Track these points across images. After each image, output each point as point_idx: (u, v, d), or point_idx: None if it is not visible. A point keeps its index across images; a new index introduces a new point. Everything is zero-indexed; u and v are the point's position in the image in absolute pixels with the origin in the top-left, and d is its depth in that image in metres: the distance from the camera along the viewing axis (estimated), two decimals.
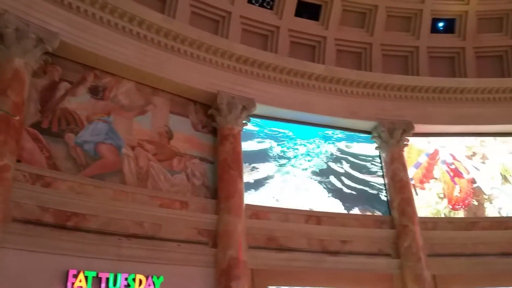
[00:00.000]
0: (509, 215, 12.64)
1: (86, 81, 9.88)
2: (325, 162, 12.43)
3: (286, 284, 10.53)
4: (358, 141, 13.01)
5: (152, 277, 8.83)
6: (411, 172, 12.98)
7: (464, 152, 13.49)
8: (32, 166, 8.37)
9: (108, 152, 9.61)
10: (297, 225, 11.15)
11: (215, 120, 11.17)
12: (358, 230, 11.60)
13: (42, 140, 8.75)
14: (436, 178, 13.05)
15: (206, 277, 9.54)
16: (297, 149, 12.35)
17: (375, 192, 12.48)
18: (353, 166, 12.65)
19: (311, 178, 12.08)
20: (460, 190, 12.98)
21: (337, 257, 11.08)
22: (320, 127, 12.80)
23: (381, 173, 12.75)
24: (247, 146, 11.57)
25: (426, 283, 10.86)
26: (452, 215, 12.68)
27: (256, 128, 12.08)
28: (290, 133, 12.46)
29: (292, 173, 11.99)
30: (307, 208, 11.62)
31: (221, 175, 10.57)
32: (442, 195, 12.83)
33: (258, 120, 12.09)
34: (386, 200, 12.36)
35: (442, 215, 12.62)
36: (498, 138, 13.63)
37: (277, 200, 11.44)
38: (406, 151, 12.98)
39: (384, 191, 12.48)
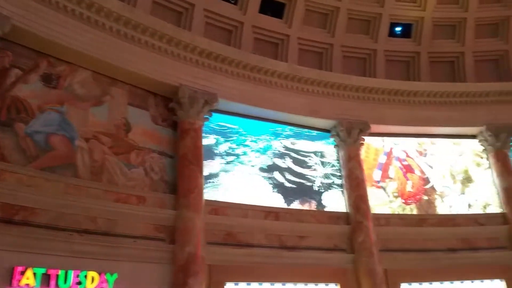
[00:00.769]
0: (457, 212, 13.27)
1: (39, 68, 9.38)
2: (271, 158, 12.32)
3: (244, 279, 10.53)
4: (305, 138, 13.06)
5: (105, 274, 8.55)
6: (377, 174, 13.39)
7: (416, 149, 14.01)
8: None
9: (60, 144, 9.18)
10: (256, 221, 11.17)
11: (176, 114, 10.95)
12: (315, 226, 11.81)
13: None
14: (391, 178, 13.48)
15: (163, 273, 9.36)
16: (247, 145, 12.22)
17: (310, 184, 12.50)
18: (296, 161, 12.62)
19: (258, 175, 11.95)
20: (412, 186, 13.50)
21: (295, 252, 11.23)
22: (281, 124, 12.88)
23: (320, 168, 12.86)
24: None
25: (378, 277, 11.23)
26: (404, 209, 13.14)
27: None
28: (241, 129, 12.26)
29: (239, 170, 11.74)
30: (266, 204, 11.66)
31: (181, 170, 10.38)
32: (396, 194, 13.26)
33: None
34: (318, 191, 12.48)
35: (396, 213, 13.09)
36: (450, 140, 14.25)
37: (224, 195, 11.26)
38: (364, 151, 13.33)
39: (317, 184, 12.55)
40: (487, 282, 12.39)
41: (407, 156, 13.91)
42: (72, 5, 9.48)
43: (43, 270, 7.84)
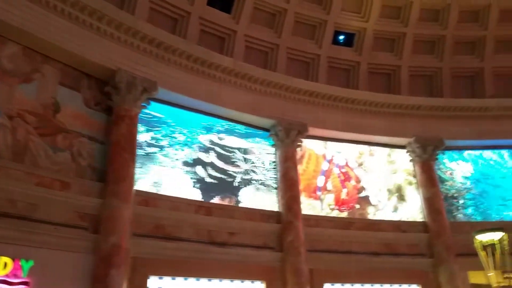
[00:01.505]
0: (382, 218, 13.88)
1: None
2: (196, 152, 12.04)
3: (170, 274, 10.36)
4: (235, 135, 12.96)
5: (20, 261, 8.05)
6: (320, 180, 13.68)
7: (355, 160, 14.49)
8: None
9: None
10: (186, 214, 11.02)
11: (111, 99, 10.52)
12: (246, 223, 11.85)
13: None
14: (329, 190, 13.77)
15: (84, 263, 8.99)
16: (174, 137, 11.87)
17: (231, 180, 12.38)
18: (220, 157, 12.47)
19: (181, 168, 11.63)
20: (347, 193, 13.97)
21: (224, 248, 11.21)
22: (220, 119, 12.80)
23: (242, 163, 12.78)
24: None
25: (303, 276, 11.50)
26: (338, 215, 13.55)
27: None
28: (170, 120, 11.87)
29: (160, 162, 11.31)
30: (198, 199, 11.54)
31: (113, 157, 9.99)
32: (332, 207, 13.55)
33: None
34: (237, 186, 12.41)
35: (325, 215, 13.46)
36: (386, 151, 14.86)
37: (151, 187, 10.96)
38: (306, 158, 13.62)
39: (238, 180, 12.49)
40: (405, 286, 13.10)
41: (347, 165, 14.35)
42: None
43: None
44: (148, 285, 9.90)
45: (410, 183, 14.57)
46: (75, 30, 9.97)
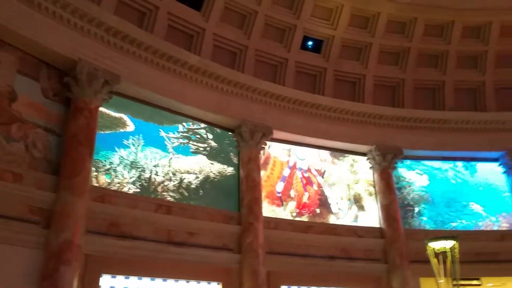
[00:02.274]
0: (341, 223, 14.11)
1: None
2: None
3: (124, 272, 10.08)
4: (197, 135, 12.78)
5: None
6: (280, 186, 13.73)
7: (318, 168, 14.65)
8: None
9: None
10: (145, 213, 10.77)
11: (70, 90, 10.16)
12: (206, 224, 11.73)
13: None
14: (292, 197, 13.84)
15: (34, 259, 8.61)
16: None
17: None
18: None
19: None
20: (309, 197, 14.09)
21: (182, 248, 11.03)
22: (185, 117, 12.64)
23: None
24: None
25: (260, 279, 11.50)
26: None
27: None
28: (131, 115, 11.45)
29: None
30: (159, 197, 11.34)
31: (68, 150, 9.63)
32: (295, 214, 13.61)
33: None
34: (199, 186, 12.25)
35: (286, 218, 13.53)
36: (349, 161, 15.13)
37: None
38: (271, 164, 13.70)
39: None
40: None
41: (309, 171, 14.49)
42: None
43: None
44: (100, 284, 9.60)
45: (370, 194, 14.90)
46: (36, 17, 9.53)
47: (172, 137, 12.29)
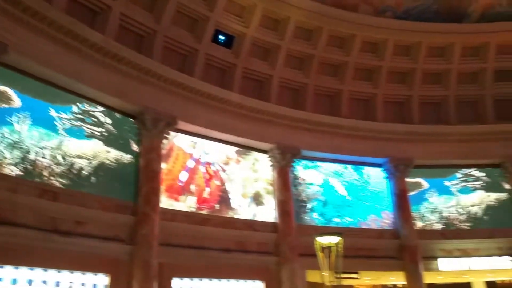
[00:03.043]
0: (239, 217, 14.35)
1: None
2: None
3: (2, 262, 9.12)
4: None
5: None
6: (183, 175, 13.47)
7: (222, 164, 14.70)
8: None
9: None
10: (27, 198, 9.86)
11: None
12: (97, 212, 11.13)
13: None
14: (192, 192, 13.69)
15: None
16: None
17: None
18: None
19: None
20: (210, 193, 14.07)
21: (68, 238, 10.33)
22: (81, 97, 11.80)
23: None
24: None
25: (151, 270, 11.21)
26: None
27: None
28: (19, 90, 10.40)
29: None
30: (45, 181, 10.42)
31: None
32: (194, 209, 13.47)
33: None
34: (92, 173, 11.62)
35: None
36: (251, 160, 15.42)
37: None
38: (173, 157, 13.37)
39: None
40: (250, 282, 13.73)
41: (212, 166, 14.46)
42: None
43: None
44: None
45: (268, 192, 15.38)
46: None
47: (64, 118, 11.39)
